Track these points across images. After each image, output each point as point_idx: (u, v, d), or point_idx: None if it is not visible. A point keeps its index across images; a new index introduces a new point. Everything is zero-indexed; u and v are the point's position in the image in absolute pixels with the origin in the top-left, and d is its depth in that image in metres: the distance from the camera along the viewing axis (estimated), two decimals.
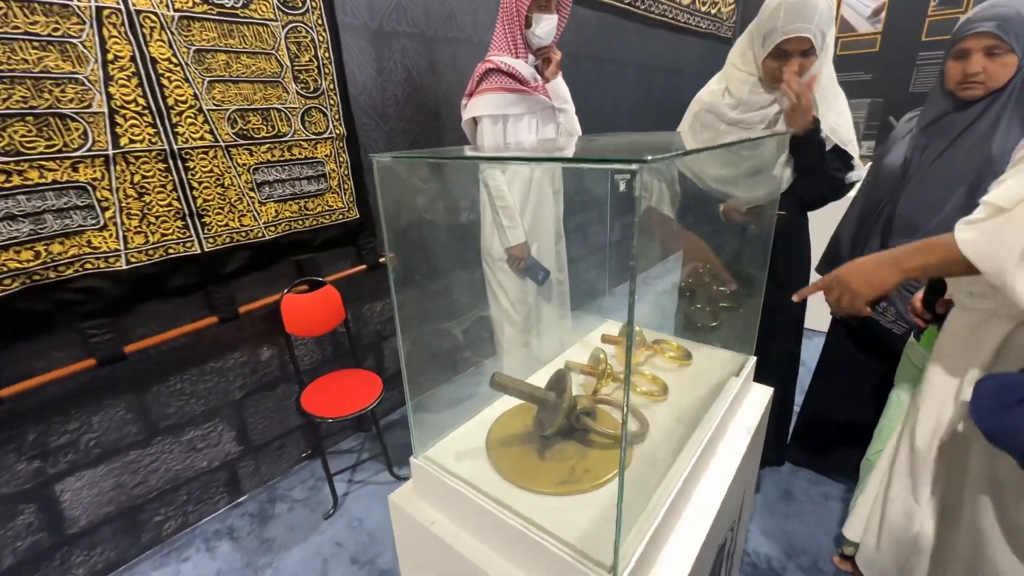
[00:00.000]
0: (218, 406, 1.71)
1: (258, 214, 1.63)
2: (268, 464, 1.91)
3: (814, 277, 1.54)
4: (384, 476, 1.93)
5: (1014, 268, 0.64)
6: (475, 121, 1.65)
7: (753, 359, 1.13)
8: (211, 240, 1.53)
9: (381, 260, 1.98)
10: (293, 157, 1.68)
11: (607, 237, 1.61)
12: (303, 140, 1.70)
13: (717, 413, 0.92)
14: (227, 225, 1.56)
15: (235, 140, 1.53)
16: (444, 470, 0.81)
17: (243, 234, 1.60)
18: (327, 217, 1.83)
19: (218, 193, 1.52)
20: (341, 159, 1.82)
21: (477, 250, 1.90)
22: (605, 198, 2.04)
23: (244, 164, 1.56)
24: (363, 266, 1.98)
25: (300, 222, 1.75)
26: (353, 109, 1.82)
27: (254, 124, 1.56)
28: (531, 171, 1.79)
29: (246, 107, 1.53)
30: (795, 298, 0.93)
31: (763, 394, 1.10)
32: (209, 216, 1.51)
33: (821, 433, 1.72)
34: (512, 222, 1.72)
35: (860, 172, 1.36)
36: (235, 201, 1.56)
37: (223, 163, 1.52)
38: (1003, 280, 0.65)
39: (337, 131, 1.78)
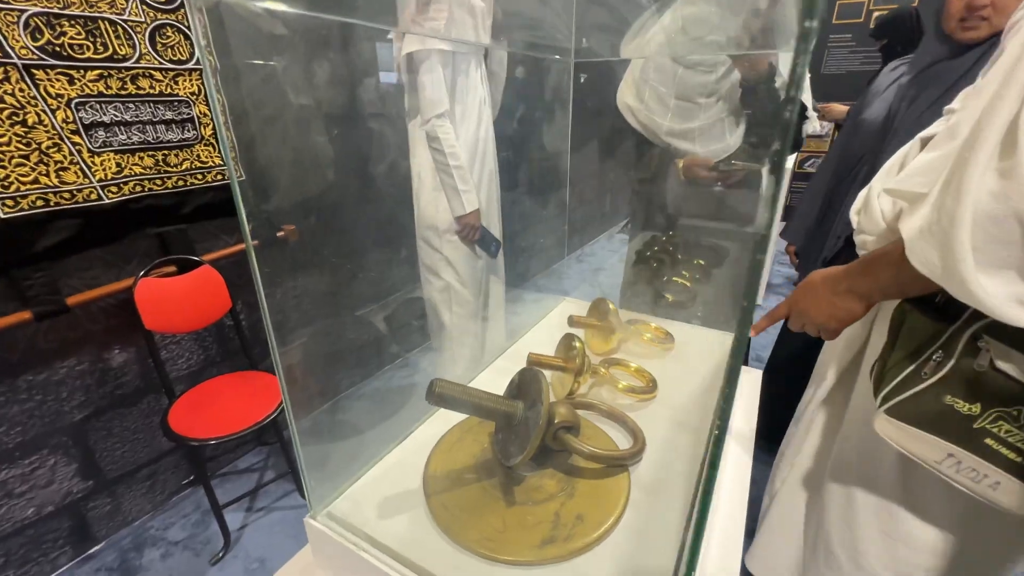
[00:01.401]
0: (46, 433, 1.25)
1: (88, 168, 1.17)
2: (133, 499, 1.48)
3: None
4: (294, 499, 1.57)
5: (970, 267, 0.44)
6: (411, 59, 1.31)
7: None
8: (10, 203, 1.07)
9: (280, 234, 1.59)
10: (141, 92, 1.24)
11: (566, 194, 1.35)
12: (155, 69, 1.25)
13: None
14: (37, 182, 1.10)
15: (40, 58, 1.07)
16: (358, 535, 0.52)
17: (65, 195, 1.14)
18: (199, 176, 1.40)
19: (17, 135, 1.06)
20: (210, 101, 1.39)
21: (401, 219, 1.57)
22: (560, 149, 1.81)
23: (59, 96, 1.11)
24: (254, 241, 1.57)
25: (158, 182, 1.31)
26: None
27: (72, 38, 1.10)
28: (479, 117, 1.49)
29: (57, 10, 1.07)
30: (751, 334, 0.73)
31: (754, 380, 0.92)
32: (5, 168, 1.05)
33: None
34: (467, 185, 1.42)
35: (815, 125, 1.24)
36: (48, 148, 1.10)
37: (22, 92, 1.05)
38: (963, 288, 0.45)
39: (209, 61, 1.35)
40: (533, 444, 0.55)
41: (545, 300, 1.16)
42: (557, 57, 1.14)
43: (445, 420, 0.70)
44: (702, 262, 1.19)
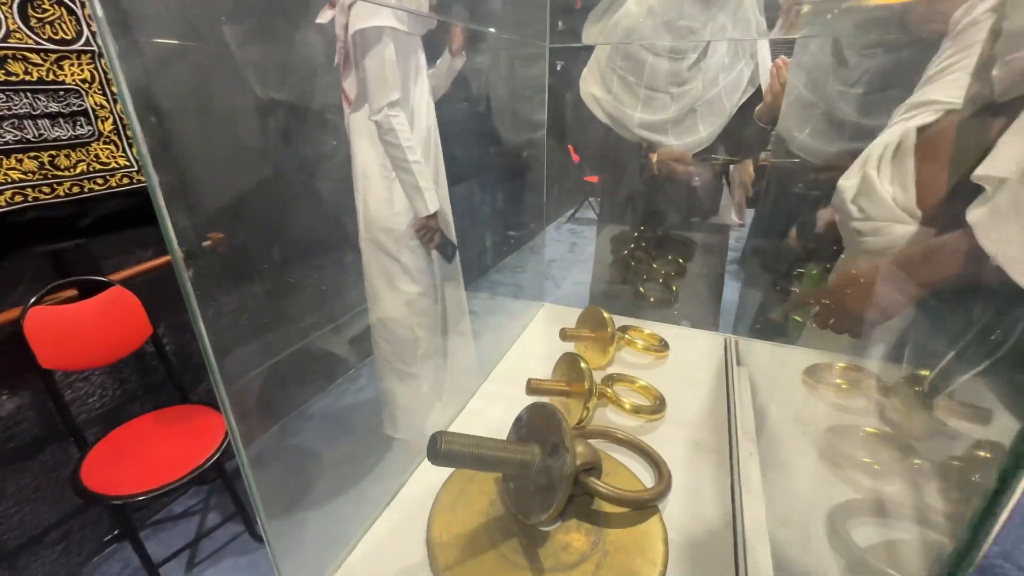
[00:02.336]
0: None
1: None
2: (41, 566, 1.24)
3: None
4: (245, 543, 1.40)
5: None
6: (361, 37, 1.15)
7: (732, 337, 0.91)
8: None
9: (206, 244, 1.38)
10: (13, 79, 1.00)
11: (543, 183, 1.26)
12: (30, 50, 1.02)
13: (732, 424, 0.67)
14: None
15: None
16: None
17: None
18: (99, 181, 1.18)
19: None
20: (116, 88, 1.17)
21: (344, 226, 1.42)
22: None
23: None
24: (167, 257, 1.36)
25: (45, 189, 1.08)
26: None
27: None
28: (427, 106, 1.36)
29: None
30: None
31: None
32: None
33: None
34: (428, 182, 1.29)
35: None
36: None
37: None
38: None
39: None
40: (561, 500, 0.46)
41: (521, 307, 1.08)
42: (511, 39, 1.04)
43: (431, 470, 0.60)
44: (680, 259, 1.16)
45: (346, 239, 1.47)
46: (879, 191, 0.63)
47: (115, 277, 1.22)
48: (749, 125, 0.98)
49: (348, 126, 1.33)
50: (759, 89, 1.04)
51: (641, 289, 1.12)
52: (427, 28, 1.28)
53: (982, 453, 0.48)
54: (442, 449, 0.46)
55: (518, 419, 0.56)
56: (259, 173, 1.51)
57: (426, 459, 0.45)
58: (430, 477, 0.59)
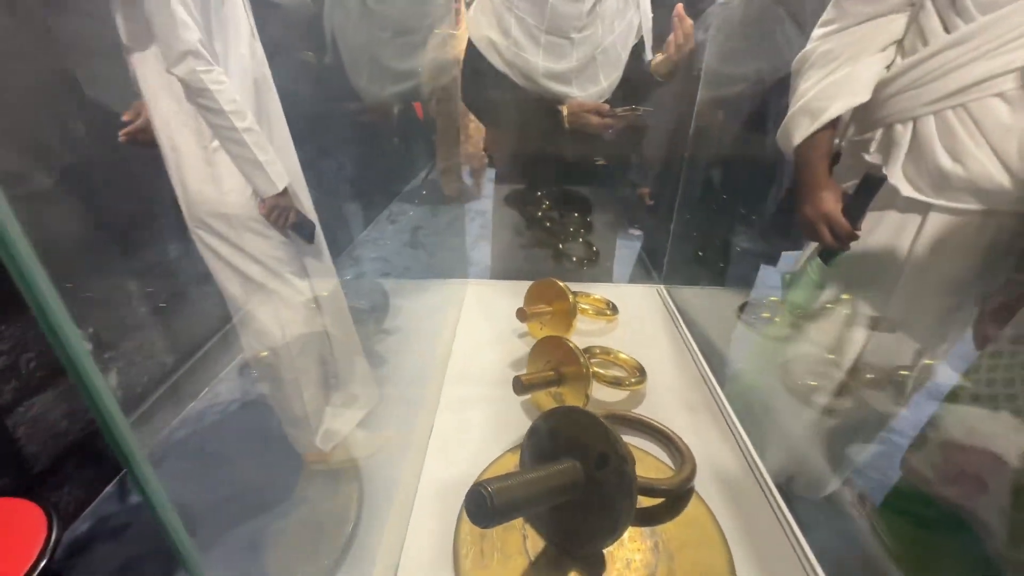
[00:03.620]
0: None
1: None
2: None
3: None
4: None
5: None
6: None
7: (662, 287, 0.94)
8: None
9: None
10: None
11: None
12: None
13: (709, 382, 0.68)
14: None
15: None
16: None
17: None
18: None
19: None
20: None
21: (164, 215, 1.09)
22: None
23: None
24: None
25: None
26: None
27: None
28: (252, 54, 1.06)
29: None
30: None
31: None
32: None
33: None
34: (268, 153, 1.02)
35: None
36: None
37: None
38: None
39: None
40: (627, 517, 0.40)
41: (438, 290, 0.95)
42: None
43: (422, 524, 0.48)
44: (588, 218, 1.14)
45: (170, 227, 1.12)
46: None
47: None
48: (642, 77, 0.97)
49: (138, 79, 0.97)
50: (641, 40, 1.03)
51: (561, 247, 1.07)
52: None
53: None
54: (496, 506, 0.35)
55: (533, 431, 0.47)
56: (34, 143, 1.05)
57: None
58: (421, 539, 0.47)
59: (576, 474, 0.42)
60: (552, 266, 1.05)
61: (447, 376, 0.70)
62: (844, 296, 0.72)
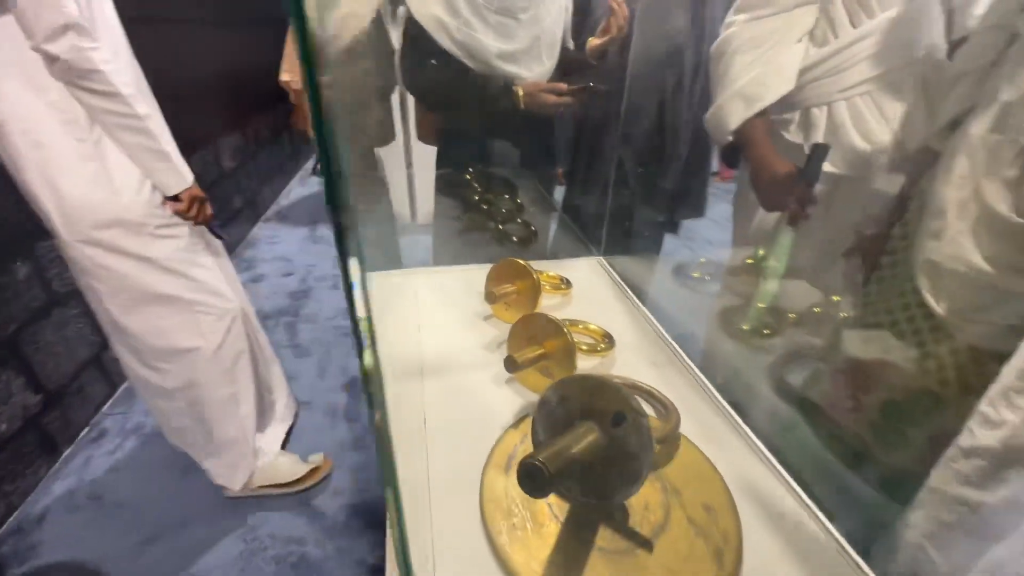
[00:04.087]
0: None
1: None
2: None
3: None
4: None
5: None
6: None
7: (601, 259, 1.00)
8: None
9: None
10: None
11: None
12: None
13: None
14: None
15: None
16: None
17: None
18: None
19: None
20: None
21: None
22: None
23: None
24: None
25: None
26: None
27: None
28: (118, 26, 0.91)
29: None
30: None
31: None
32: None
33: None
34: (171, 144, 0.88)
35: None
36: None
37: None
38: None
39: None
40: (648, 466, 0.44)
41: (384, 281, 0.91)
42: None
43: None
44: (518, 199, 1.17)
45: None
46: None
47: None
48: (573, 58, 1.01)
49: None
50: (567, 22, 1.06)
51: (501, 228, 1.09)
52: None
53: None
54: (552, 474, 0.37)
55: (544, 403, 0.49)
56: None
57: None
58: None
59: (597, 434, 0.45)
60: (495, 248, 1.07)
61: (424, 370, 0.68)
62: (760, 252, 0.84)
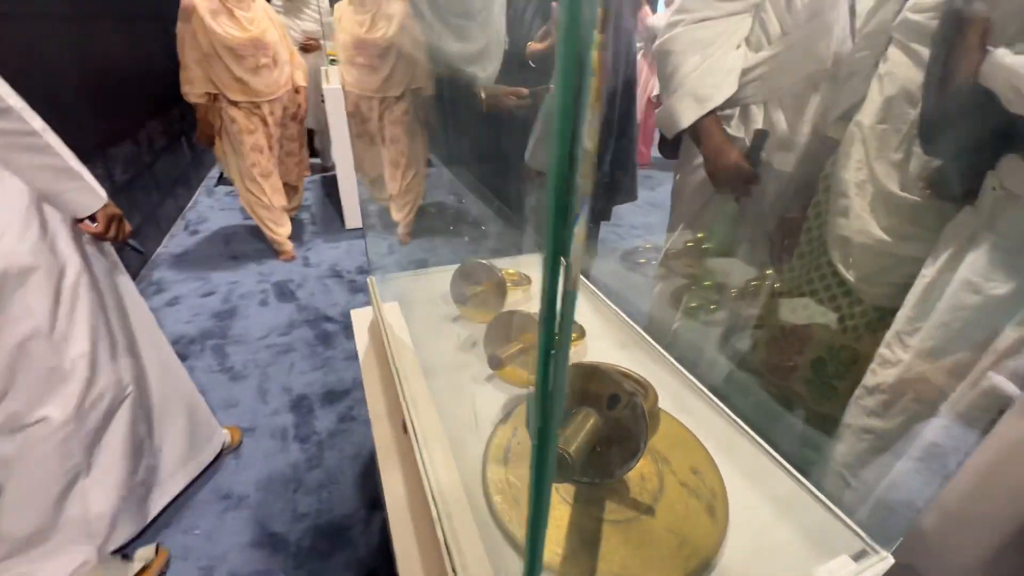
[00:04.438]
0: None
1: None
2: None
3: None
4: None
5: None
6: None
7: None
8: None
9: None
10: None
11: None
12: None
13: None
14: None
15: None
16: None
17: None
18: None
19: None
20: None
21: None
22: None
23: None
24: None
25: None
26: None
27: None
28: None
29: None
30: None
31: None
32: None
33: None
34: (74, 158, 0.77)
35: None
36: None
37: None
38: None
39: None
40: (645, 438, 0.48)
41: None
42: None
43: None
44: (463, 200, 1.18)
45: None
46: None
47: None
48: (514, 60, 1.04)
49: None
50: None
51: (451, 229, 1.09)
52: None
53: None
54: (575, 461, 0.40)
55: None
56: None
57: None
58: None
59: (596, 418, 0.48)
60: (449, 250, 1.07)
61: (403, 378, 0.68)
62: (700, 235, 0.92)
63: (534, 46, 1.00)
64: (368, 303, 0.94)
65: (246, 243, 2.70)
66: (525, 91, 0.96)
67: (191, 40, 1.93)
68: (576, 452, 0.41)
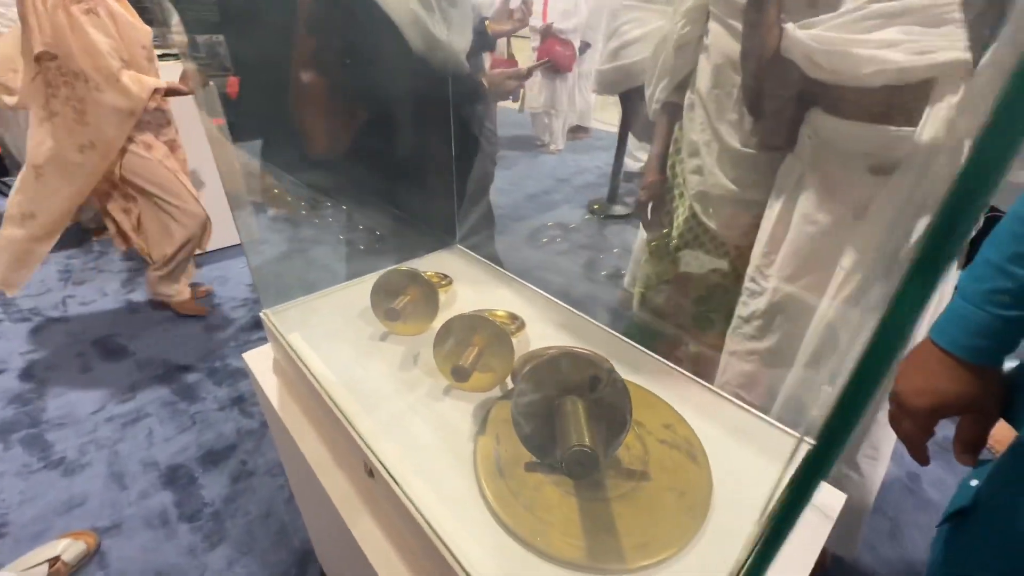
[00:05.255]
0: None
1: None
2: None
3: None
4: None
5: None
6: None
7: (460, 246, 1.02)
8: None
9: None
10: None
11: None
12: None
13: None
14: None
15: None
16: None
17: None
18: None
19: None
20: None
21: None
22: None
23: None
24: None
25: None
26: None
27: None
28: None
29: None
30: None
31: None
32: None
33: None
34: None
35: None
36: None
37: None
38: None
39: None
40: (630, 411, 0.51)
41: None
42: None
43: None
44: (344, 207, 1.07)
45: None
46: None
47: None
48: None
49: None
50: None
51: (342, 238, 0.99)
52: None
53: None
54: (596, 454, 0.40)
55: (520, 395, 0.51)
56: None
57: None
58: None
59: (583, 402, 0.49)
60: (346, 264, 0.97)
61: (350, 417, 0.60)
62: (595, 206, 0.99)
63: (493, 27, 0.96)
64: (263, 341, 0.81)
65: (35, 298, 2.08)
66: (524, 70, 0.91)
67: None
68: (593, 443, 0.41)
